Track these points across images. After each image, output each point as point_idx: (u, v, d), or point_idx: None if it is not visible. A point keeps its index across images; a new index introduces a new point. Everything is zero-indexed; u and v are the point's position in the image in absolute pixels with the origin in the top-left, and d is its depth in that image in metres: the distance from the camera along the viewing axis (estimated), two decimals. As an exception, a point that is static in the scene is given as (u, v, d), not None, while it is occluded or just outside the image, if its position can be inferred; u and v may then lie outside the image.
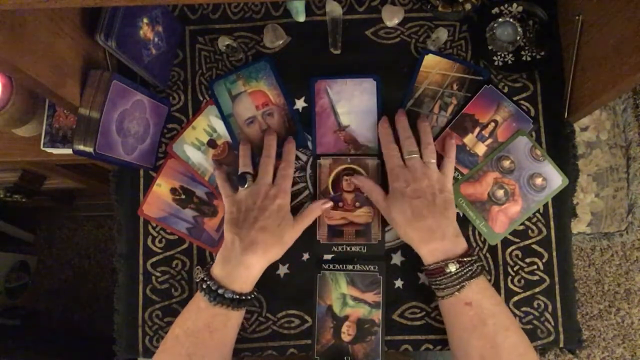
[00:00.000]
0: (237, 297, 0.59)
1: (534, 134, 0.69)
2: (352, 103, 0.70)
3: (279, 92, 0.70)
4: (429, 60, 0.70)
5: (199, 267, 0.62)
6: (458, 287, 0.58)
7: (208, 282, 0.59)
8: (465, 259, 0.59)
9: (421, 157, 0.64)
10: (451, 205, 0.62)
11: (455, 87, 0.70)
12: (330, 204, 0.67)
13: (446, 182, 0.63)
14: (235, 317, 0.61)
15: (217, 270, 0.60)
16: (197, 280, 0.61)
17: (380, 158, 0.68)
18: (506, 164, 0.68)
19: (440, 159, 0.65)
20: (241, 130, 0.70)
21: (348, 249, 0.67)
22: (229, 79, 0.71)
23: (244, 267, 0.60)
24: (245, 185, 0.63)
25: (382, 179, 0.68)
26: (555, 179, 0.67)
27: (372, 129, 0.70)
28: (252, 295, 0.62)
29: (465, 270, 0.58)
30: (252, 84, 0.70)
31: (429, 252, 0.60)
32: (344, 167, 0.69)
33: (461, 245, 0.61)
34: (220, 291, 0.59)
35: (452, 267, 0.58)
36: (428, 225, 0.60)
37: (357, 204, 0.68)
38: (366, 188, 0.66)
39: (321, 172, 0.69)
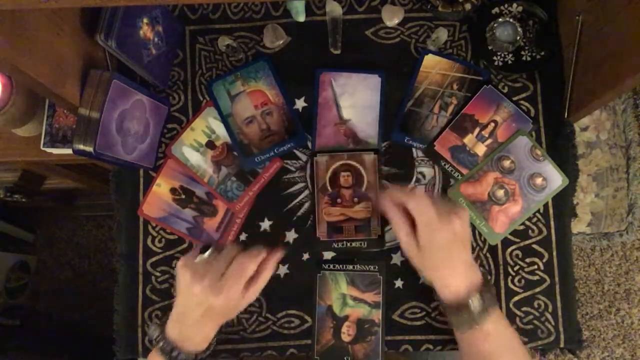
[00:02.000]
0: (192, 357, 0.57)
1: (534, 134, 0.69)
2: (355, 97, 0.70)
3: (278, 92, 0.70)
4: (429, 60, 0.70)
5: (155, 323, 0.59)
6: (478, 320, 0.57)
7: (162, 343, 0.57)
8: (485, 293, 0.57)
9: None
10: (470, 233, 0.60)
11: (455, 87, 0.70)
12: (281, 253, 0.62)
13: (467, 213, 0.60)
14: None
15: (171, 330, 0.58)
16: (153, 337, 0.58)
17: (376, 153, 0.68)
18: (506, 164, 0.68)
19: None
20: (240, 130, 0.70)
21: (348, 244, 0.67)
22: (228, 79, 0.71)
23: (197, 330, 0.58)
24: (205, 255, 0.59)
25: (379, 174, 0.68)
26: (556, 179, 0.67)
27: (373, 125, 0.70)
28: (209, 351, 0.60)
29: (486, 304, 0.57)
30: (251, 83, 0.70)
31: (453, 287, 0.58)
32: (342, 163, 0.69)
33: (478, 275, 0.59)
34: (174, 353, 0.56)
35: (476, 302, 0.57)
36: (454, 264, 0.58)
37: (356, 199, 0.68)
38: (394, 221, 0.61)
39: (318, 168, 0.69)
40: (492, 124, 0.69)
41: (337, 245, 0.67)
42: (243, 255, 0.58)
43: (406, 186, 0.69)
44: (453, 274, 0.59)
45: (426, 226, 0.58)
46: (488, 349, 0.58)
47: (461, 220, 0.59)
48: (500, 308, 0.66)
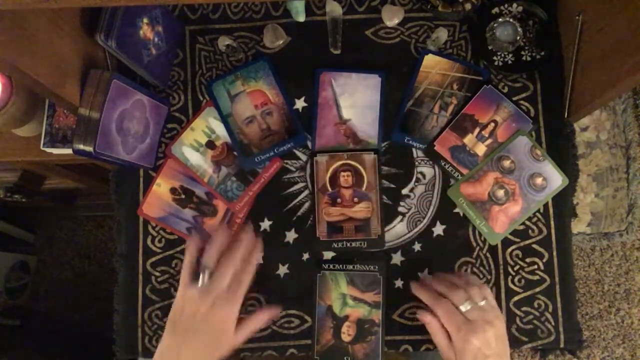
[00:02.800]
0: None
1: (534, 133, 0.69)
2: (355, 97, 0.70)
3: (278, 92, 0.70)
4: (429, 60, 0.70)
5: None
6: None
7: None
8: None
9: None
10: (506, 337, 0.60)
11: (455, 87, 0.70)
12: (277, 312, 0.64)
13: (501, 316, 0.60)
14: None
15: None
16: None
17: (376, 153, 0.68)
18: (506, 163, 0.68)
19: None
20: (240, 129, 0.70)
21: (348, 244, 0.67)
22: (228, 79, 0.71)
23: None
24: (199, 284, 0.57)
25: (379, 175, 0.68)
26: (555, 179, 0.67)
27: (373, 125, 0.70)
28: None
29: None
30: (250, 83, 0.70)
31: None
32: (342, 163, 0.69)
33: None
34: None
35: None
36: None
37: (356, 199, 0.68)
38: (433, 332, 0.61)
39: (318, 169, 0.69)
40: (492, 124, 0.69)
41: (337, 245, 0.67)
42: (228, 252, 0.59)
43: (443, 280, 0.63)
44: None
45: (457, 331, 0.58)
46: None
47: (495, 329, 0.57)
48: (500, 308, 0.66)
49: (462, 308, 0.59)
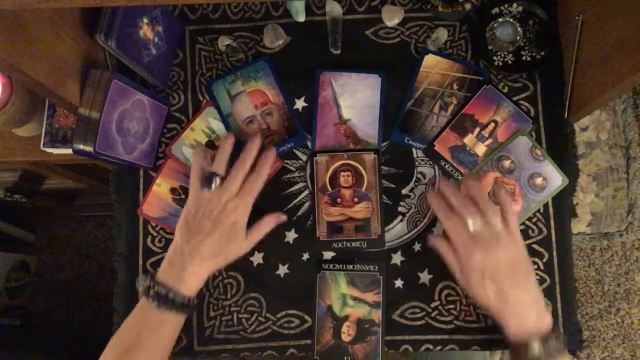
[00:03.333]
0: (185, 301, 0.59)
1: (534, 133, 0.69)
2: (355, 97, 0.70)
3: (278, 92, 0.70)
4: (429, 60, 0.70)
5: (142, 275, 0.60)
6: None
7: (156, 288, 0.58)
8: (550, 340, 0.55)
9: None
10: (530, 270, 0.58)
11: (455, 87, 0.70)
12: (284, 217, 0.66)
13: (520, 245, 0.58)
14: (181, 321, 0.61)
15: (163, 274, 0.60)
16: (141, 288, 0.59)
17: (376, 152, 0.68)
18: (506, 163, 0.68)
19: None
20: (240, 130, 0.70)
21: (348, 244, 0.67)
22: (228, 79, 0.71)
23: (189, 272, 0.59)
24: (210, 189, 0.61)
25: (379, 175, 0.68)
26: (555, 179, 0.67)
27: (373, 125, 0.70)
28: (197, 301, 0.62)
29: (549, 350, 0.54)
30: (251, 83, 0.70)
31: (511, 327, 0.57)
32: (342, 163, 0.69)
33: (546, 320, 0.57)
34: (170, 295, 0.58)
35: (536, 348, 0.54)
36: (510, 301, 0.56)
37: (356, 199, 0.68)
38: (444, 255, 0.61)
39: (318, 168, 0.69)
40: (492, 124, 0.69)
41: (337, 245, 0.67)
42: (238, 160, 0.62)
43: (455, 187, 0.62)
44: (507, 314, 0.56)
45: (463, 248, 0.57)
46: None
47: (505, 251, 0.56)
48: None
49: (471, 225, 0.57)
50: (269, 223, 0.64)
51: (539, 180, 0.67)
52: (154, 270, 0.68)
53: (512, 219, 0.59)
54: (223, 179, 0.61)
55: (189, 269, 0.59)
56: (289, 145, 0.70)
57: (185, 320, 0.61)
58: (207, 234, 0.60)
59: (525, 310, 0.57)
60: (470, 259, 0.57)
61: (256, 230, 0.63)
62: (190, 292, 0.60)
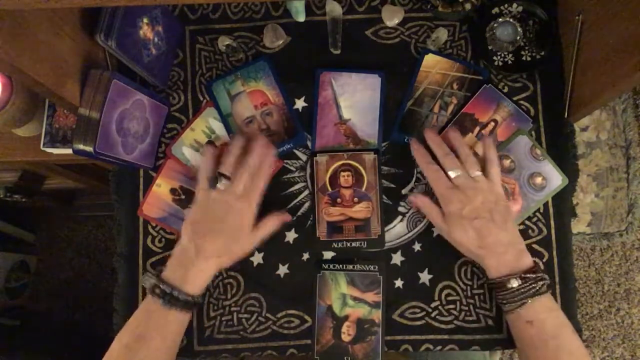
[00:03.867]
0: (190, 299, 0.59)
1: (533, 133, 0.69)
2: (355, 97, 0.70)
3: (278, 92, 0.70)
4: (429, 59, 0.70)
5: (148, 272, 0.61)
6: (520, 303, 0.58)
7: (161, 286, 0.58)
8: (528, 276, 0.58)
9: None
10: (509, 214, 0.61)
11: (455, 86, 0.70)
12: (288, 217, 0.67)
13: (497, 190, 0.61)
14: (187, 320, 0.62)
15: (169, 273, 0.60)
16: (148, 286, 0.60)
17: (376, 153, 0.68)
18: (506, 163, 0.68)
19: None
20: (240, 130, 0.70)
21: (348, 244, 0.67)
22: (228, 79, 0.71)
23: (196, 270, 0.60)
24: (217, 189, 0.61)
25: (380, 172, 0.68)
26: (555, 179, 0.67)
27: (373, 125, 0.70)
28: (202, 299, 0.62)
29: (527, 287, 0.58)
30: (251, 83, 0.70)
31: (493, 266, 0.60)
32: (342, 163, 0.69)
33: (525, 260, 0.60)
34: (174, 293, 0.58)
35: (514, 283, 0.58)
36: (490, 243, 0.59)
37: (356, 199, 0.68)
38: (426, 209, 0.64)
39: (318, 169, 0.69)
40: (492, 123, 0.69)
41: (337, 245, 0.67)
42: (242, 160, 0.63)
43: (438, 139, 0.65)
44: (487, 254, 0.60)
45: (443, 195, 0.61)
46: (532, 335, 0.58)
47: (483, 196, 0.60)
48: (500, 308, 0.66)
49: (451, 174, 0.61)
50: (274, 222, 0.65)
51: (538, 180, 0.67)
52: (155, 269, 0.68)
53: (493, 172, 0.62)
54: (229, 178, 0.62)
55: (194, 268, 0.60)
56: (289, 146, 0.70)
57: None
58: (213, 234, 0.60)
59: (505, 249, 0.60)
60: (450, 205, 0.61)
61: (261, 230, 0.64)
62: (195, 290, 0.60)
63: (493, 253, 0.60)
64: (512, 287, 0.58)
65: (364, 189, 0.68)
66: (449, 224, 0.61)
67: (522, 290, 0.58)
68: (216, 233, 0.60)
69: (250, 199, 0.62)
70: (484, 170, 0.62)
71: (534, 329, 0.57)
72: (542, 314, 0.58)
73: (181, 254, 0.61)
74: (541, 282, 0.58)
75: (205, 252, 0.60)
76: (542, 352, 0.57)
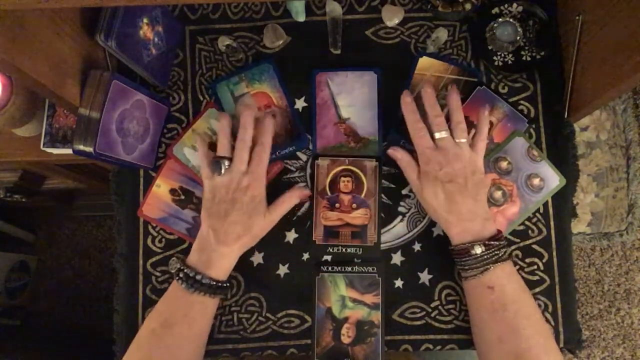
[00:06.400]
0: (214, 283, 0.60)
1: (534, 134, 0.69)
2: (352, 96, 0.70)
3: (282, 94, 0.70)
4: (424, 62, 0.70)
5: (174, 258, 0.63)
6: (482, 269, 0.58)
7: (185, 270, 0.60)
8: (492, 243, 0.59)
9: (451, 134, 0.61)
10: (483, 187, 0.61)
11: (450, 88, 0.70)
12: (307, 192, 0.67)
13: (478, 162, 0.62)
14: (212, 306, 0.62)
15: (193, 258, 0.61)
16: (173, 271, 0.61)
17: (378, 160, 0.68)
18: (503, 165, 0.68)
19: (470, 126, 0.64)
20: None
21: (343, 250, 0.67)
22: (232, 80, 0.71)
23: (218, 255, 0.61)
24: (220, 172, 0.61)
25: (380, 180, 0.68)
26: (553, 179, 0.67)
27: (373, 122, 0.70)
28: (227, 284, 0.63)
29: (490, 254, 0.58)
30: (255, 85, 0.70)
31: (457, 233, 0.61)
32: (342, 169, 0.69)
33: (489, 228, 0.60)
34: (197, 277, 0.59)
35: (478, 249, 0.58)
36: (459, 209, 0.60)
37: (354, 205, 0.68)
38: (403, 163, 0.64)
39: (319, 172, 0.69)
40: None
41: (333, 250, 0.67)
42: (237, 138, 0.63)
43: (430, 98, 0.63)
44: (454, 220, 0.60)
45: (424, 153, 0.61)
46: (492, 300, 0.58)
47: (462, 164, 0.60)
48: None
49: (437, 135, 0.61)
50: (291, 197, 0.65)
51: (536, 181, 0.67)
52: (154, 269, 0.68)
53: (480, 144, 0.62)
54: (230, 159, 0.62)
55: (215, 254, 0.61)
56: (291, 149, 0.69)
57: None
58: (228, 215, 0.61)
59: (472, 216, 0.60)
60: (428, 164, 0.61)
61: (280, 206, 0.64)
62: (219, 275, 0.61)
63: (460, 220, 0.60)
64: (476, 254, 0.58)
65: (363, 195, 0.68)
66: (422, 183, 0.61)
67: (486, 257, 0.58)
68: (231, 214, 0.61)
69: (256, 173, 0.62)
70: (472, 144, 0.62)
71: (495, 294, 0.58)
72: (503, 279, 0.58)
73: (202, 241, 0.62)
74: (504, 250, 0.59)
75: (225, 236, 0.60)
76: (500, 315, 0.57)
